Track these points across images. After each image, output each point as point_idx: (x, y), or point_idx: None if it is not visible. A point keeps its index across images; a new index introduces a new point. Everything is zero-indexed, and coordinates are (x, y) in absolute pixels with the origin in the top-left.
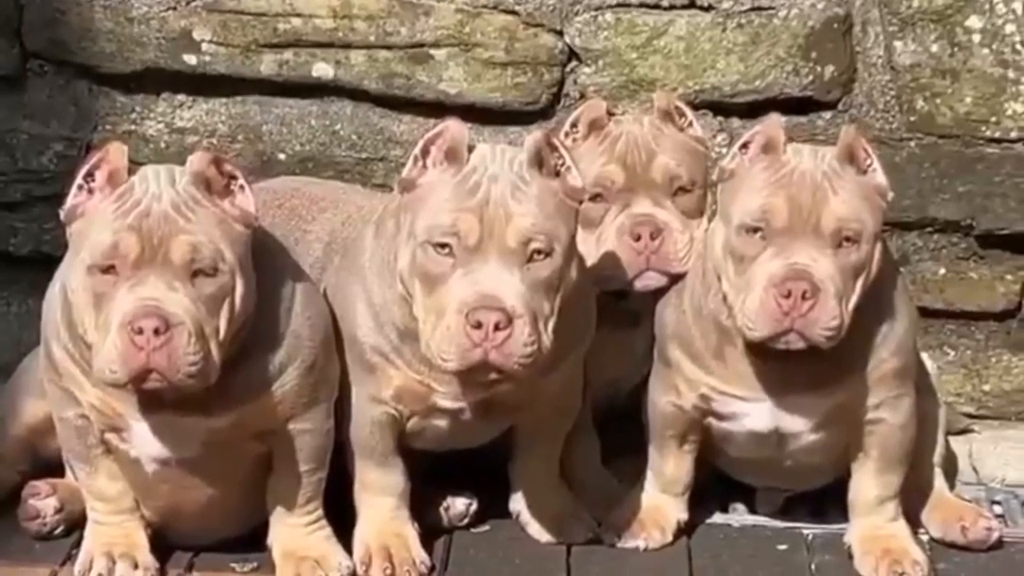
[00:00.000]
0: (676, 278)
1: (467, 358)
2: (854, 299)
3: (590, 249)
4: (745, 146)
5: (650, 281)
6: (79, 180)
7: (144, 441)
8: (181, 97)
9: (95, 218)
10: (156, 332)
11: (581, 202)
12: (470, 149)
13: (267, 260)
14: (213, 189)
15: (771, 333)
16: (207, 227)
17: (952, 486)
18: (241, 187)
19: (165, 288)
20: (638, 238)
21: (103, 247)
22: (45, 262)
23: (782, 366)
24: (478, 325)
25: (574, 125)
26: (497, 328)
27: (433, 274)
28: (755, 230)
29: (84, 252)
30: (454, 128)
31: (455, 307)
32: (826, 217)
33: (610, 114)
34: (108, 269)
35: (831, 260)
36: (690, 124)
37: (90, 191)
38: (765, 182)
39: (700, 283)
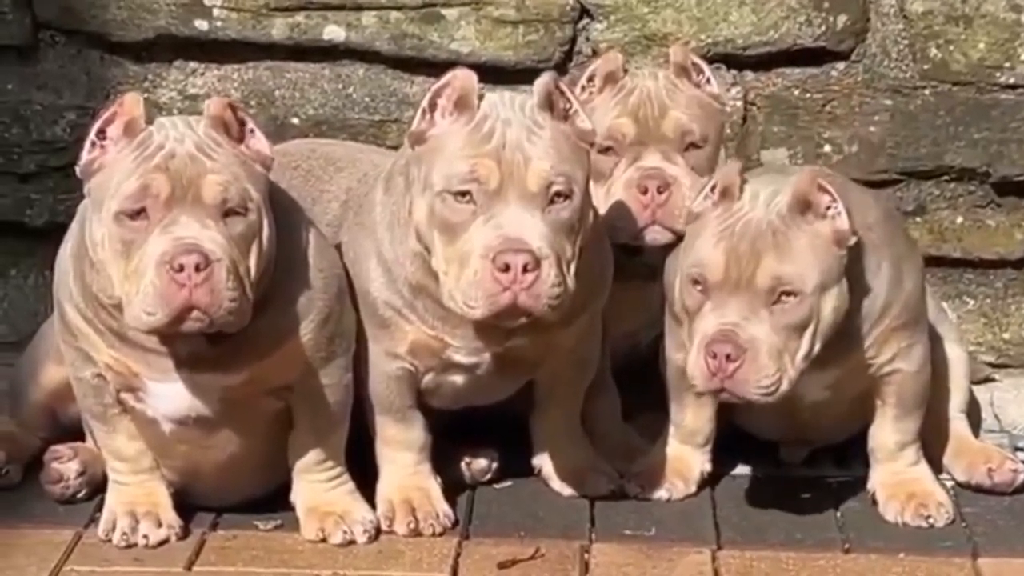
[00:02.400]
0: (682, 235)
1: (496, 302)
2: (803, 350)
3: (600, 201)
4: (713, 188)
5: (656, 236)
6: (92, 136)
7: (160, 400)
8: (193, 64)
9: (117, 167)
10: (197, 268)
11: (592, 144)
12: (480, 98)
13: (280, 216)
14: (230, 133)
15: (704, 390)
16: (233, 167)
17: (976, 435)
18: (252, 131)
19: (199, 227)
20: (645, 191)
21: (132, 190)
22: (61, 233)
23: None
24: (506, 268)
25: (590, 79)
26: (525, 270)
27: (453, 223)
28: (696, 282)
29: (110, 201)
30: (462, 76)
31: (480, 252)
32: (761, 273)
33: (624, 70)
34: (138, 213)
35: (766, 317)
36: (707, 81)
37: (103, 146)
38: (712, 231)
39: None
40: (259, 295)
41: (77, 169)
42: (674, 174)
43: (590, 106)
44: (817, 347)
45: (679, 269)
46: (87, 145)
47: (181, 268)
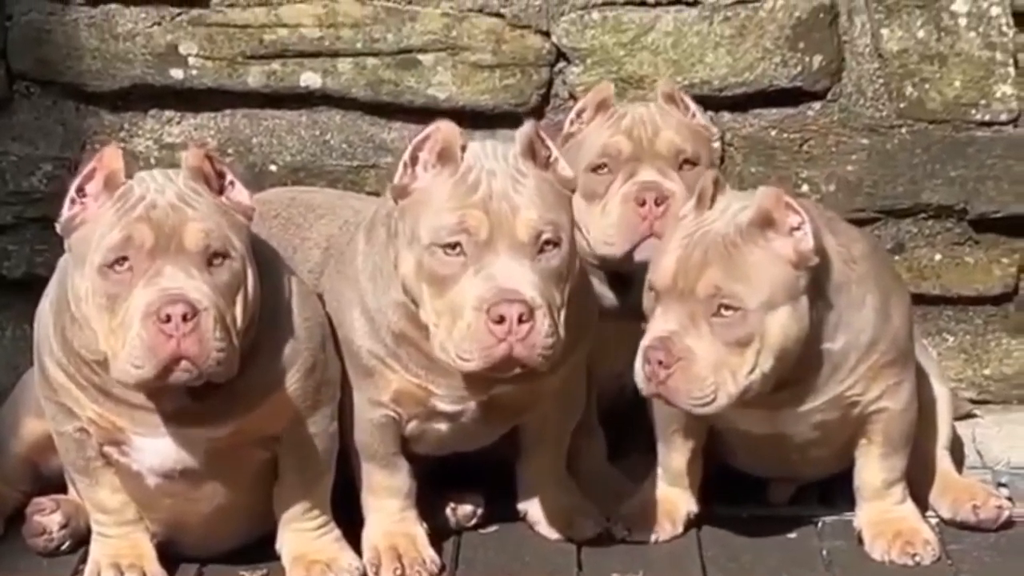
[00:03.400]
0: None
1: (491, 355)
2: (746, 367)
3: (594, 220)
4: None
5: (652, 251)
6: (72, 193)
7: (146, 455)
8: (169, 112)
9: (99, 221)
10: (184, 318)
11: (573, 191)
12: (462, 148)
13: (262, 266)
14: (210, 184)
15: (646, 393)
16: (215, 215)
17: (959, 471)
18: (232, 183)
19: (184, 276)
20: (643, 203)
21: (115, 241)
22: (39, 284)
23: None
24: (500, 320)
25: (579, 113)
26: (520, 321)
27: (443, 275)
28: (650, 287)
29: (92, 255)
30: (444, 129)
31: (473, 304)
32: (702, 283)
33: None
34: (121, 263)
35: (705, 329)
36: (693, 115)
37: (83, 202)
38: (676, 239)
39: None
40: (245, 346)
41: (58, 226)
42: (671, 188)
43: (582, 135)
44: (767, 367)
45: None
46: (67, 202)
47: (168, 318)
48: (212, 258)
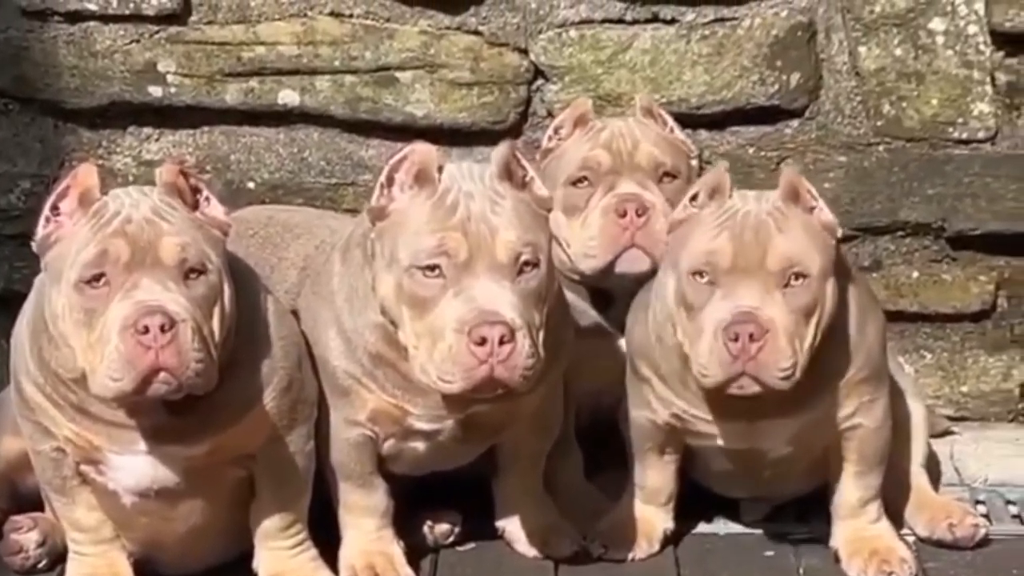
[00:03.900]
0: (655, 268)
1: (473, 376)
2: (809, 339)
3: (575, 234)
4: (694, 198)
5: (634, 262)
6: (46, 211)
7: (122, 473)
8: (148, 130)
9: (74, 238)
10: (162, 329)
11: (550, 211)
12: (439, 169)
13: (239, 284)
14: (184, 200)
15: (724, 378)
16: (190, 229)
17: (936, 488)
18: (207, 199)
19: (161, 289)
20: (624, 214)
21: (90, 257)
22: (17, 301)
23: (750, 398)
24: (481, 342)
25: (557, 130)
26: (502, 342)
27: (423, 297)
28: (701, 273)
29: (69, 271)
30: (421, 150)
31: (454, 327)
32: (772, 255)
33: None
34: (98, 280)
35: (780, 300)
36: (671, 130)
37: (58, 220)
38: (710, 226)
39: (661, 314)
40: (222, 359)
41: (33, 244)
42: (652, 199)
43: (561, 149)
44: (817, 340)
45: (678, 263)
46: (42, 220)
47: (146, 330)
48: (189, 272)
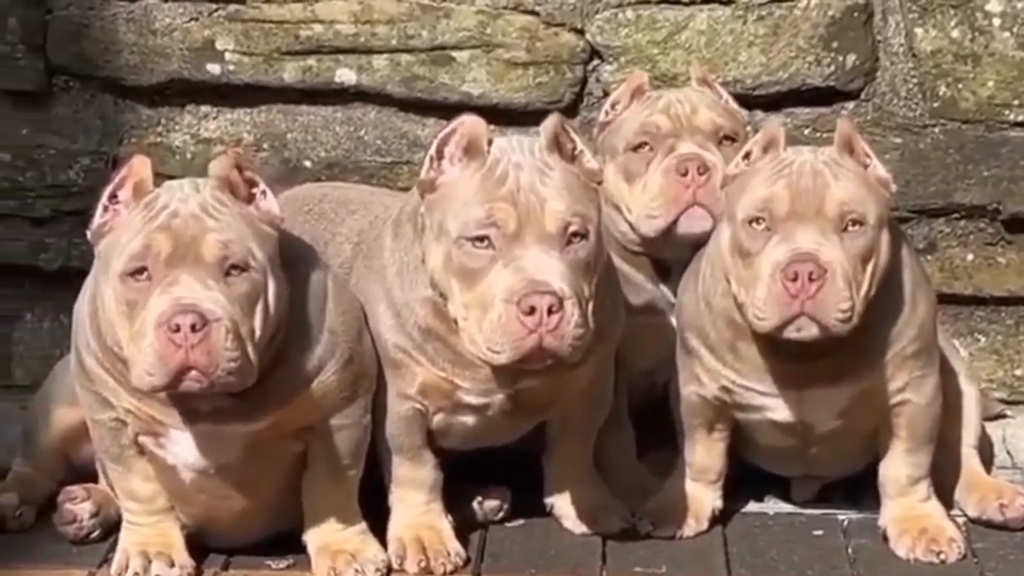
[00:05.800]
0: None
1: (522, 346)
2: (865, 286)
3: (635, 198)
4: (747, 155)
5: (696, 221)
6: (104, 201)
7: (182, 449)
8: (206, 108)
9: (124, 229)
10: (193, 328)
11: (599, 183)
12: (488, 142)
13: (297, 262)
14: (237, 194)
15: (781, 320)
16: (236, 226)
17: (988, 471)
18: (263, 192)
19: (200, 287)
20: (685, 172)
21: (135, 250)
22: (76, 277)
23: (800, 363)
24: (531, 311)
25: (614, 104)
26: (550, 312)
27: (472, 269)
28: (758, 220)
29: (116, 261)
30: (470, 123)
31: (503, 296)
32: (829, 201)
33: None
34: (140, 272)
35: (838, 243)
36: (726, 101)
37: (115, 209)
38: (766, 175)
39: (711, 275)
40: (278, 345)
41: (88, 233)
42: (713, 159)
43: (618, 121)
44: (873, 290)
45: (735, 213)
46: (99, 209)
47: (177, 328)
48: (230, 269)
